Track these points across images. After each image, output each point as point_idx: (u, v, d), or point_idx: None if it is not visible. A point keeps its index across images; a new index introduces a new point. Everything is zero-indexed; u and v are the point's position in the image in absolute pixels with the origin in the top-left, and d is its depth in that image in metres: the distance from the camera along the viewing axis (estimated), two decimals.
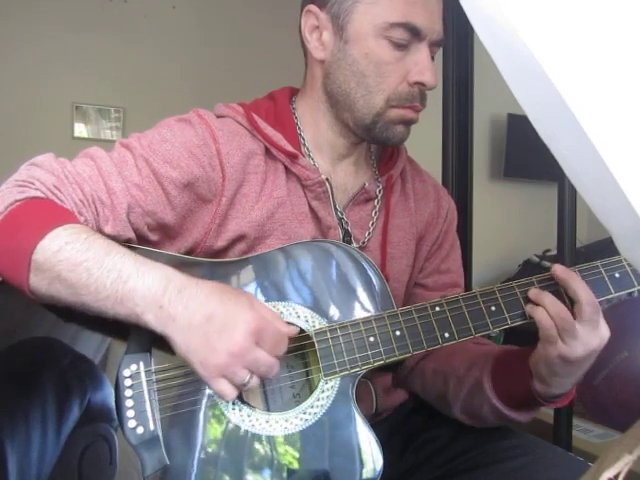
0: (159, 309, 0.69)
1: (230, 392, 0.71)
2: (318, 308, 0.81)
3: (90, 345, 0.75)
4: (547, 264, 2.58)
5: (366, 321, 0.80)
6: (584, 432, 1.71)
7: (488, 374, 0.88)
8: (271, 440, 0.74)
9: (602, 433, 1.71)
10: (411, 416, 1.05)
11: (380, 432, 0.77)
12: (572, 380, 0.82)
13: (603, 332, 0.79)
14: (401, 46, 0.85)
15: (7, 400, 0.70)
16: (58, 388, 0.71)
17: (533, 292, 0.82)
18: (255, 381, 0.71)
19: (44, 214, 0.75)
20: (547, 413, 1.61)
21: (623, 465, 0.44)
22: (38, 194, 0.76)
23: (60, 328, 0.75)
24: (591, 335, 0.78)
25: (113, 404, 0.73)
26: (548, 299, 0.80)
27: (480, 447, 0.92)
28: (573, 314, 0.78)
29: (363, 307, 0.82)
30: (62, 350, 0.74)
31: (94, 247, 0.72)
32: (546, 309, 0.79)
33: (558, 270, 0.81)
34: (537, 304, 0.81)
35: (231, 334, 0.69)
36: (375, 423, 0.78)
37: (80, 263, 0.70)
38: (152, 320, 0.70)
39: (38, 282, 0.71)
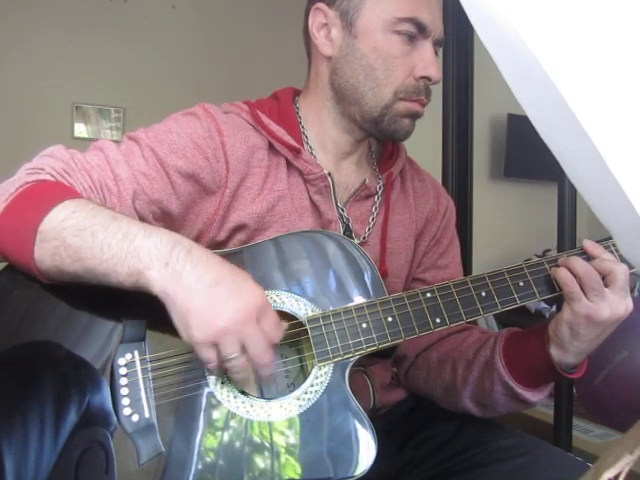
0: (164, 266, 0.67)
1: (213, 361, 0.69)
2: (311, 297, 0.81)
3: (90, 348, 0.74)
4: None
5: (358, 308, 0.80)
6: (584, 432, 1.71)
7: (500, 351, 0.90)
8: (267, 426, 0.75)
9: (602, 433, 1.71)
10: (411, 414, 1.05)
11: (378, 427, 0.77)
12: (590, 347, 0.84)
13: (629, 302, 0.82)
14: (408, 41, 0.88)
15: (5, 405, 0.69)
16: (57, 392, 0.70)
17: (561, 259, 0.85)
18: (242, 362, 0.69)
19: (53, 191, 0.75)
20: (547, 413, 1.61)
21: (624, 465, 0.44)
22: (48, 177, 0.77)
23: (61, 330, 0.75)
24: (620, 302, 0.81)
25: (111, 407, 0.72)
26: (577, 261, 0.83)
27: (479, 447, 0.92)
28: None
29: (356, 295, 0.83)
30: (62, 353, 0.74)
31: (101, 215, 0.72)
32: (575, 269, 0.82)
33: (587, 244, 0.86)
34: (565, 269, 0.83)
35: (239, 302, 0.68)
36: (373, 418, 0.78)
37: (85, 228, 0.70)
38: (154, 277, 0.67)
39: (42, 254, 0.71)
